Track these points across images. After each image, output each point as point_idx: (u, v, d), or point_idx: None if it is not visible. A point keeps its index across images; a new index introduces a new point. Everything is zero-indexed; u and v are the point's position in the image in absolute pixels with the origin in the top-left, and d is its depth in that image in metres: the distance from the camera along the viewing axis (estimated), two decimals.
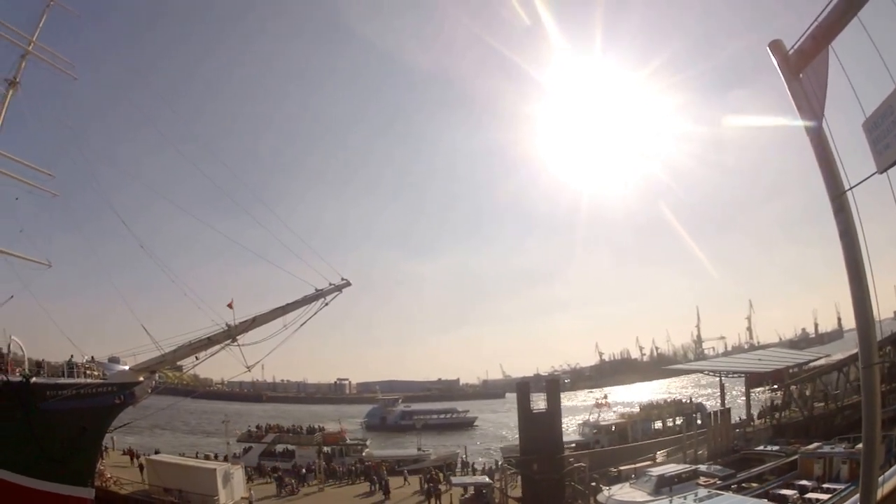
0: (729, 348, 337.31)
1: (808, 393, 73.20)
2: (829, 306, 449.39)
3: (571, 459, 59.69)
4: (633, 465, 60.34)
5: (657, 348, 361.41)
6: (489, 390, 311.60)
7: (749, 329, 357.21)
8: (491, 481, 59.77)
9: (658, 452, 67.70)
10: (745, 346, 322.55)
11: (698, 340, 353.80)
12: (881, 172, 6.40)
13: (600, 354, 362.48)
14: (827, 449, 50.17)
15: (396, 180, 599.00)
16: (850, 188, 6.50)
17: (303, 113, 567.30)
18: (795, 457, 52.96)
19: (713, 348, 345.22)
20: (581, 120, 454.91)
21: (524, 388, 58.51)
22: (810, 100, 6.83)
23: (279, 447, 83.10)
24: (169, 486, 57.29)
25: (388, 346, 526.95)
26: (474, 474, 70.43)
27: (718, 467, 56.44)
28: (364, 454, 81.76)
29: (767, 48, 7.16)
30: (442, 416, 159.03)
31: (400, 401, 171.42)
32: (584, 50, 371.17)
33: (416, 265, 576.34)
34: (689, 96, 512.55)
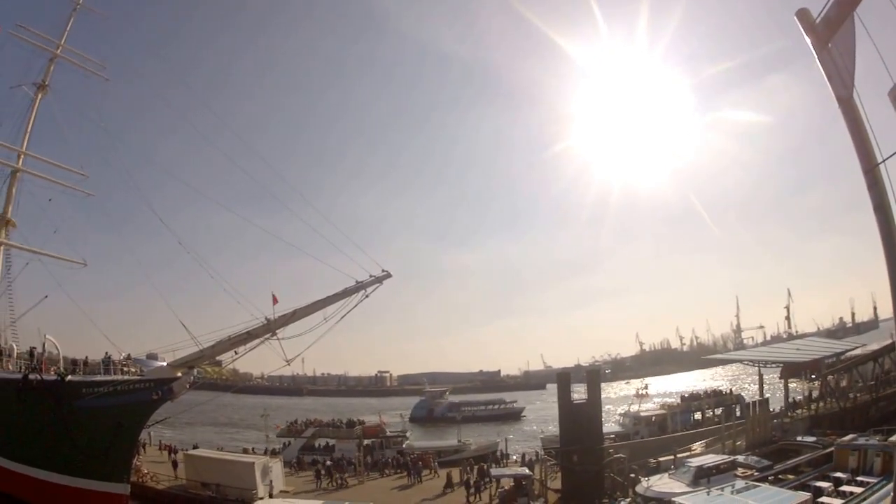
0: (768, 338, 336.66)
1: (843, 383, 73.12)
2: (867, 295, 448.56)
3: (611, 451, 59.31)
4: (671, 457, 59.59)
5: (697, 338, 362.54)
6: (530, 381, 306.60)
7: (788, 318, 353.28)
8: (531, 473, 59.04)
9: (697, 443, 67.29)
10: (784, 336, 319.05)
11: (738, 330, 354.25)
12: None
13: (641, 345, 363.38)
14: (861, 441, 49.27)
15: (435, 172, 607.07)
16: (884, 160, 6.05)
17: (341, 107, 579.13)
18: (831, 448, 52.16)
19: (752, 338, 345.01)
20: (617, 110, 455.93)
21: (565, 378, 58.59)
22: (840, 70, 6.44)
23: (319, 441, 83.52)
24: (207, 480, 57.44)
25: (428, 339, 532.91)
26: (507, 465, 71.14)
27: (756, 458, 55.65)
28: (405, 446, 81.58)
29: (795, 17, 6.72)
30: (490, 406, 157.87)
31: (447, 393, 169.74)
32: (623, 38, 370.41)
33: (455, 257, 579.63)
34: (726, 84, 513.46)
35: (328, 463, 70.33)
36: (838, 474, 46.88)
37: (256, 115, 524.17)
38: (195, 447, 73.73)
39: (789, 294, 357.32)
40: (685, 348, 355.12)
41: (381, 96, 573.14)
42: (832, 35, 6.51)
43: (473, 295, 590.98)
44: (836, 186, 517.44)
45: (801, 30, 6.72)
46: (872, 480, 43.00)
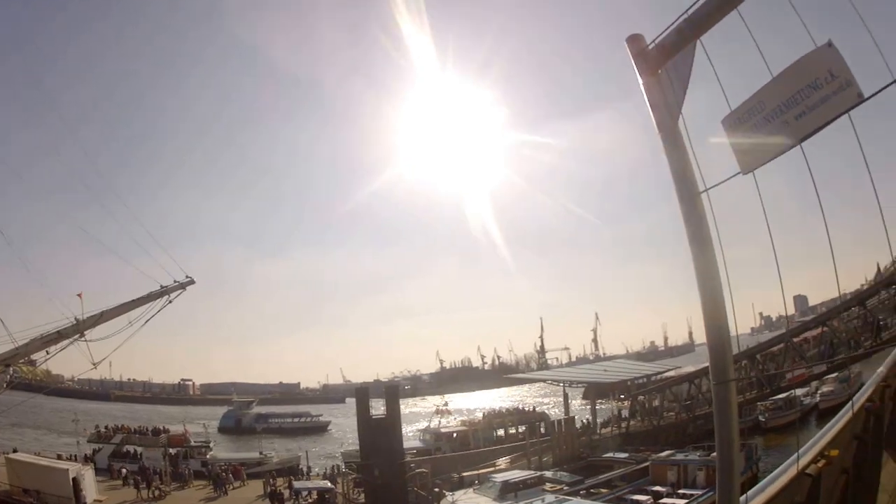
0: (573, 359, 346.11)
1: (656, 403, 74.66)
2: (682, 319, 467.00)
3: (413, 465, 59.11)
4: (476, 472, 60.79)
5: (499, 357, 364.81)
6: (329, 395, 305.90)
7: (595, 341, 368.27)
8: (333, 486, 59.35)
9: (501, 459, 67.95)
10: (591, 358, 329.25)
11: (541, 351, 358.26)
12: (745, 174, 6.07)
13: (441, 362, 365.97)
14: (680, 456, 51.26)
15: (251, 178, 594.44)
16: (706, 189, 6.17)
17: (167, 102, 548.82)
18: (646, 464, 53.93)
19: (557, 359, 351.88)
20: (434, 133, 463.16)
21: (363, 393, 58.45)
22: (667, 98, 6.50)
23: (128, 448, 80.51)
24: (27, 486, 55.17)
25: (231, 348, 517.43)
26: (311, 478, 70.01)
27: (565, 474, 57.16)
28: (208, 456, 79.92)
29: (625, 43, 6.78)
30: (295, 419, 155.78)
31: (254, 403, 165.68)
32: (441, 68, 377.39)
33: (264, 266, 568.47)
34: (548, 110, 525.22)
35: (135, 471, 67.29)
36: (657, 488, 48.61)
37: (85, 103, 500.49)
38: (14, 451, 69.89)
39: (597, 317, 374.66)
40: (486, 367, 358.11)
41: (205, 94, 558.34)
42: (665, 62, 6.61)
43: (280, 305, 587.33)
44: (652, 214, 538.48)
45: (630, 55, 6.79)
46: (697, 492, 45.29)
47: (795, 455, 6.66)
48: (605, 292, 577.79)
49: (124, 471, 67.88)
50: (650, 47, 6.61)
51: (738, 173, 6.10)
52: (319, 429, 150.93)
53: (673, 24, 6.62)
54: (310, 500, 56.79)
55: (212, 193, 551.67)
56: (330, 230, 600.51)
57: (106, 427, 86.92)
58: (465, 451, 78.98)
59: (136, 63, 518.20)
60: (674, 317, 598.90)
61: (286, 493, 58.32)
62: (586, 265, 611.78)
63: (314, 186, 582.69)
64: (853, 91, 5.57)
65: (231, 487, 64.14)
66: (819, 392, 73.85)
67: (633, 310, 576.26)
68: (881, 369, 10.77)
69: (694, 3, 6.36)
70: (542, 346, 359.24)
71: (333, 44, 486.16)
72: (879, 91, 5.20)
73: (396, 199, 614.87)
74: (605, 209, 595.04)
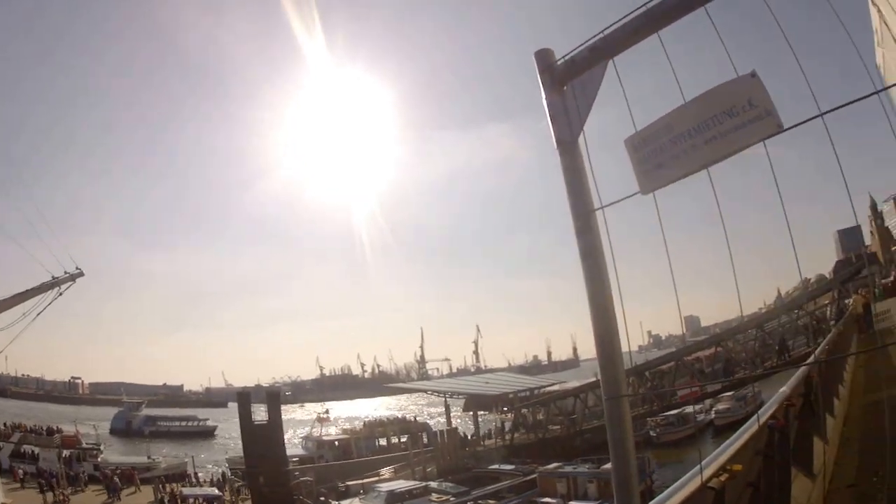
0: (454, 371, 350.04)
1: (540, 416, 75.41)
2: (566, 335, 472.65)
3: (297, 473, 59.64)
4: (360, 481, 60.20)
5: (379, 366, 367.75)
6: (212, 398, 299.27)
7: (476, 353, 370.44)
8: (221, 493, 58.62)
9: (385, 469, 67.61)
10: (472, 370, 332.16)
11: (422, 361, 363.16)
12: (644, 194, 5.72)
13: (321, 368, 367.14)
14: (569, 469, 51.03)
15: (139, 166, 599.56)
16: (602, 207, 5.80)
17: (57, 81, 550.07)
18: (534, 476, 53.59)
19: (437, 369, 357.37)
20: (324, 136, 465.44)
21: (245, 398, 57.93)
22: (569, 114, 6.12)
23: (25, 447, 78.25)
24: None
25: (115, 346, 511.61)
26: (200, 485, 68.31)
27: (451, 485, 56.73)
28: (99, 459, 77.47)
29: (533, 57, 6.41)
30: (183, 423, 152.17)
31: (143, 405, 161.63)
32: (336, 74, 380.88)
33: (141, 259, 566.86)
34: (441, 121, 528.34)
35: (33, 472, 65.71)
36: (546, 499, 48.21)
37: None
38: None
39: (478, 330, 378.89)
40: (366, 375, 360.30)
41: (96, 70, 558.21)
42: (572, 79, 6.26)
43: (162, 302, 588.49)
44: (536, 231, 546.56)
45: (536, 70, 6.41)
46: None
47: (698, 468, 6.52)
48: (487, 305, 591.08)
49: (21, 472, 66.03)
50: (559, 63, 6.18)
51: (637, 193, 5.70)
52: (206, 434, 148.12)
53: (588, 41, 6.27)
54: None
55: (93, 179, 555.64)
56: (212, 225, 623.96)
57: (5, 424, 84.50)
58: (347, 459, 78.77)
59: (19, 43, 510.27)
60: (558, 332, 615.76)
61: (178, 500, 57.10)
62: (469, 277, 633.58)
63: (200, 178, 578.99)
64: (772, 121, 5.23)
65: (125, 493, 62.57)
66: (714, 409, 73.55)
67: (516, 323, 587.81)
68: (784, 388, 10.81)
69: (613, 24, 6.06)
70: (422, 357, 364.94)
71: (230, 36, 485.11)
72: (801, 123, 4.89)
73: (283, 199, 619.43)
74: (490, 222, 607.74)
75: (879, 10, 38.34)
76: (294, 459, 72.85)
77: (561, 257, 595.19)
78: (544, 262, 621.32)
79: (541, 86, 6.45)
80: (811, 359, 19.06)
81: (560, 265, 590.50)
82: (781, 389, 11.57)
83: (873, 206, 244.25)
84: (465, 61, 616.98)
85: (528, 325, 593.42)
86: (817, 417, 13.61)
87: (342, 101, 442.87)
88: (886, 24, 37.29)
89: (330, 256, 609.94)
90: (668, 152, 5.55)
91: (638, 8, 5.93)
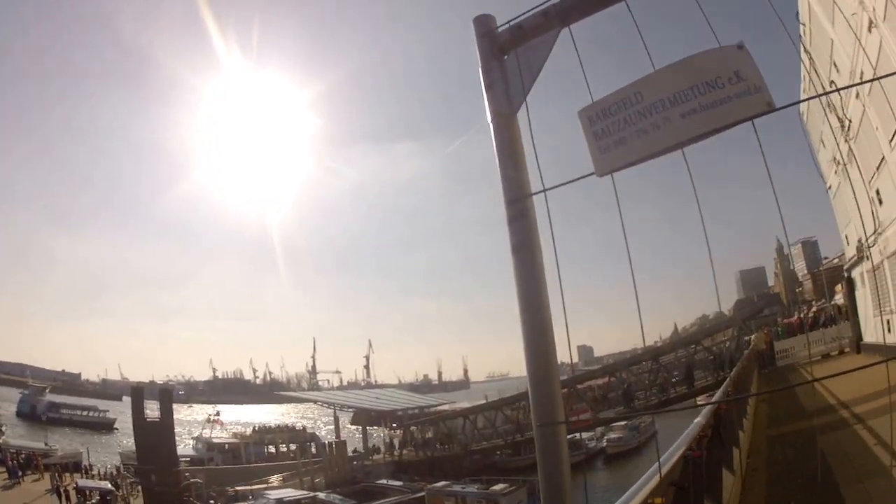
0: (345, 383, 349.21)
1: (429, 435, 75.54)
2: (457, 357, 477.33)
3: (187, 474, 58.73)
4: (249, 487, 59.96)
5: (271, 373, 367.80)
6: (108, 390, 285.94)
7: (367, 367, 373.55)
8: (114, 488, 56.89)
9: (274, 476, 67.61)
10: (362, 384, 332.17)
11: (313, 371, 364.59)
12: (601, 176, 4.80)
13: (214, 370, 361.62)
14: (458, 488, 50.85)
15: (52, 139, 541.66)
16: (545, 189, 4.75)
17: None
18: (422, 493, 53.89)
19: (328, 381, 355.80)
20: (240, 139, 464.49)
21: (139, 393, 57.47)
22: (511, 84, 5.12)
23: None
24: None
25: (14, 323, 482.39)
26: (91, 477, 66.65)
27: (339, 497, 56.88)
28: (0, 441, 75.35)
29: (472, 22, 5.43)
30: (84, 413, 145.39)
31: (48, 390, 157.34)
32: (259, 80, 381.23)
33: (48, 235, 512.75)
34: (354, 134, 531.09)
35: None
36: None
37: None
38: None
39: (370, 345, 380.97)
40: (258, 381, 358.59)
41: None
42: (517, 46, 5.26)
43: (67, 285, 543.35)
44: (432, 251, 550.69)
45: (475, 37, 5.40)
46: None
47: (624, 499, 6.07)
48: (381, 321, 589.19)
49: None
50: (502, 28, 5.15)
51: (591, 174, 4.60)
52: (106, 426, 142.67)
53: (539, 5, 5.36)
54: (93, 501, 53.76)
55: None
56: (118, 214, 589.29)
57: None
58: (236, 464, 78.73)
59: None
60: (449, 353, 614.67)
61: (72, 491, 55.02)
62: (365, 291, 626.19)
63: (111, 166, 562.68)
64: (762, 98, 4.27)
65: (29, 478, 60.67)
66: (606, 437, 74.60)
67: (409, 341, 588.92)
68: (699, 419, 10.49)
69: None
70: (314, 367, 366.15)
71: (148, 33, 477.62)
72: (797, 103, 4.04)
73: (191, 198, 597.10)
74: (390, 239, 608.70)
75: (810, 56, 38.63)
76: (185, 459, 71.80)
77: (456, 280, 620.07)
78: (439, 283, 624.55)
79: (478, 54, 5.52)
80: (718, 394, 18.87)
81: (454, 288, 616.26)
82: (696, 420, 11.24)
83: (779, 249, 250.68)
84: (382, 77, 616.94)
85: (421, 343, 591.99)
86: (726, 449, 13.31)
87: (255, 106, 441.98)
88: (816, 71, 37.64)
89: (231, 259, 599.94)
90: (633, 126, 4.51)
91: None
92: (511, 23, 5.34)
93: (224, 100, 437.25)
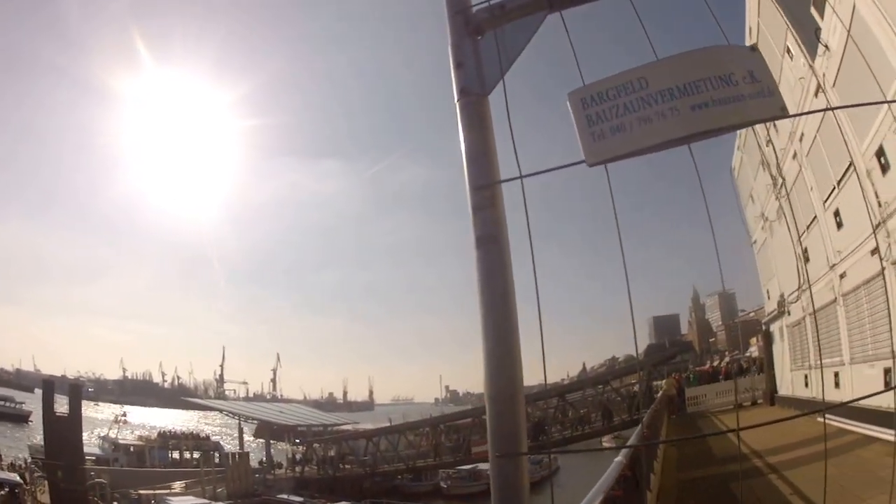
0: (251, 395, 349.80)
1: (332, 453, 75.24)
2: (363, 377, 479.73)
3: (93, 473, 58.30)
4: (152, 491, 59.57)
5: (179, 378, 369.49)
6: (22, 381, 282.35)
7: (274, 381, 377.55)
8: (23, 482, 55.15)
9: (177, 483, 67.34)
10: (268, 397, 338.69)
11: (221, 380, 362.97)
12: (591, 166, 4.10)
13: (124, 371, 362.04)
14: None
15: None
16: (522, 176, 4.14)
17: None
18: None
19: (235, 391, 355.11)
20: (169, 144, 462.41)
21: (50, 387, 55.61)
22: (484, 63, 4.60)
23: None
24: None
25: None
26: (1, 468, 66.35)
27: None
28: None
29: (445, 2, 4.92)
30: (1, 403, 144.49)
31: None
32: (186, 81, 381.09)
33: None
34: (284, 147, 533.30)
35: None
36: None
37: None
38: None
39: (278, 358, 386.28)
40: (167, 385, 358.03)
41: None
42: (494, 27, 4.76)
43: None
44: (350, 273, 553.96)
45: (447, 14, 4.88)
46: None
47: None
48: (290, 335, 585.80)
49: None
50: (479, 7, 4.62)
51: (581, 162, 4.09)
52: (20, 418, 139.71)
53: None
54: (2, 493, 52.56)
55: None
56: (39, 198, 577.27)
57: None
58: (141, 466, 78.39)
59: None
60: (356, 373, 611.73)
61: None
62: (276, 305, 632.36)
63: (28, 152, 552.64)
64: (777, 102, 3.86)
65: None
66: None
67: (316, 358, 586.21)
68: (619, 458, 10.43)
69: None
70: (221, 376, 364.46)
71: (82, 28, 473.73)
72: (809, 112, 3.66)
73: (114, 194, 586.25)
74: (305, 254, 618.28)
75: None
76: (90, 458, 70.18)
77: (365, 302, 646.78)
78: (350, 304, 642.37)
79: (448, 33, 5.05)
80: (633, 437, 18.95)
81: (364, 309, 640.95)
82: (617, 459, 11.13)
83: (695, 299, 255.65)
84: (313, 93, 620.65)
85: (328, 361, 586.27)
86: (641, 491, 13.24)
87: (179, 109, 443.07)
88: (754, 129, 38.06)
89: (147, 260, 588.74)
90: (635, 113, 4.00)
91: None
92: (491, 1, 4.90)
93: (150, 100, 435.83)
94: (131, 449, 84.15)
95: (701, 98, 3.90)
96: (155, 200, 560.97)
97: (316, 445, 78.57)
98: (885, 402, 21.34)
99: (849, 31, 22.39)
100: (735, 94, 3.91)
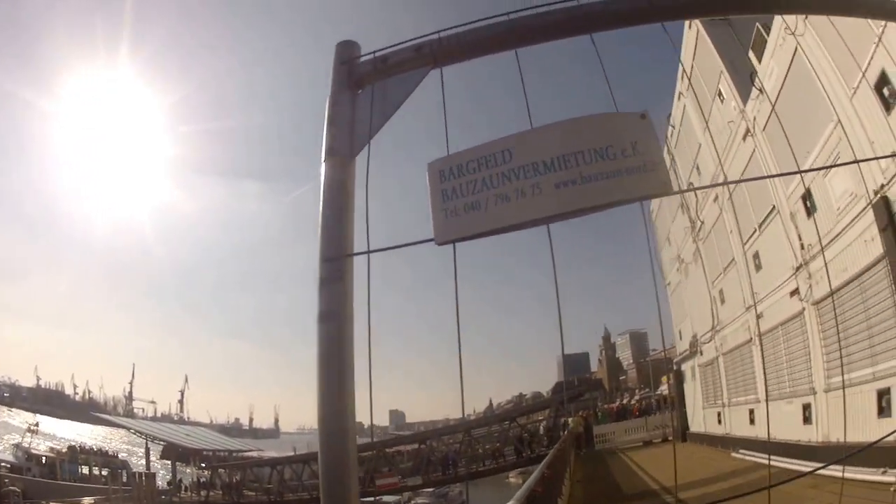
0: (159, 415, 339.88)
1: (237, 479, 75.07)
2: (269, 405, 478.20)
3: (7, 480, 58.55)
4: None
5: (90, 392, 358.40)
6: None
7: (181, 402, 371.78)
8: None
9: (85, 498, 66.72)
10: (176, 418, 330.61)
11: (130, 397, 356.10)
12: (440, 244, 4.05)
13: (38, 379, 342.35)
14: None
15: None
16: (370, 251, 3.84)
17: None
18: None
19: (143, 409, 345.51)
20: (103, 144, 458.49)
21: None
22: (358, 121, 4.29)
23: None
24: None
25: None
26: None
27: None
28: None
29: (335, 48, 4.55)
30: None
31: None
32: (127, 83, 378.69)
33: None
34: (207, 163, 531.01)
35: None
36: None
37: None
38: None
39: (186, 380, 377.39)
40: (78, 398, 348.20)
41: None
42: (375, 81, 4.46)
43: None
44: (263, 297, 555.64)
45: (332, 64, 4.54)
46: None
47: None
48: (200, 356, 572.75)
49: None
50: (363, 59, 4.31)
51: (426, 241, 3.75)
52: None
53: (413, 39, 4.75)
54: None
55: None
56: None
57: None
58: (52, 478, 76.68)
59: None
60: (262, 398, 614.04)
61: None
62: (188, 323, 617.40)
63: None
64: (658, 177, 3.58)
65: None
66: (413, 502, 73.52)
67: (224, 381, 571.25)
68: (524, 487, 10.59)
69: (452, 27, 4.42)
70: (130, 393, 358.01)
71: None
72: (690, 189, 3.33)
73: (40, 188, 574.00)
74: (220, 275, 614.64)
75: (672, 157, 39.40)
76: (5, 465, 71.07)
77: (277, 328, 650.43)
78: (261, 328, 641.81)
79: (330, 83, 4.69)
80: (535, 474, 18.86)
81: (274, 335, 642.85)
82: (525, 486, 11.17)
83: (606, 338, 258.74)
84: (237, 113, 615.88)
85: (236, 385, 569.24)
86: None
87: (109, 115, 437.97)
88: (676, 172, 38.38)
89: (67, 266, 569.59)
90: (493, 189, 3.69)
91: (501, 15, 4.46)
92: (376, 53, 4.55)
93: (95, 102, 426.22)
94: (44, 460, 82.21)
95: (568, 175, 3.66)
96: (78, 204, 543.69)
97: (221, 471, 78.25)
98: (804, 435, 21.61)
99: (786, 75, 22.70)
100: (611, 170, 3.69)
